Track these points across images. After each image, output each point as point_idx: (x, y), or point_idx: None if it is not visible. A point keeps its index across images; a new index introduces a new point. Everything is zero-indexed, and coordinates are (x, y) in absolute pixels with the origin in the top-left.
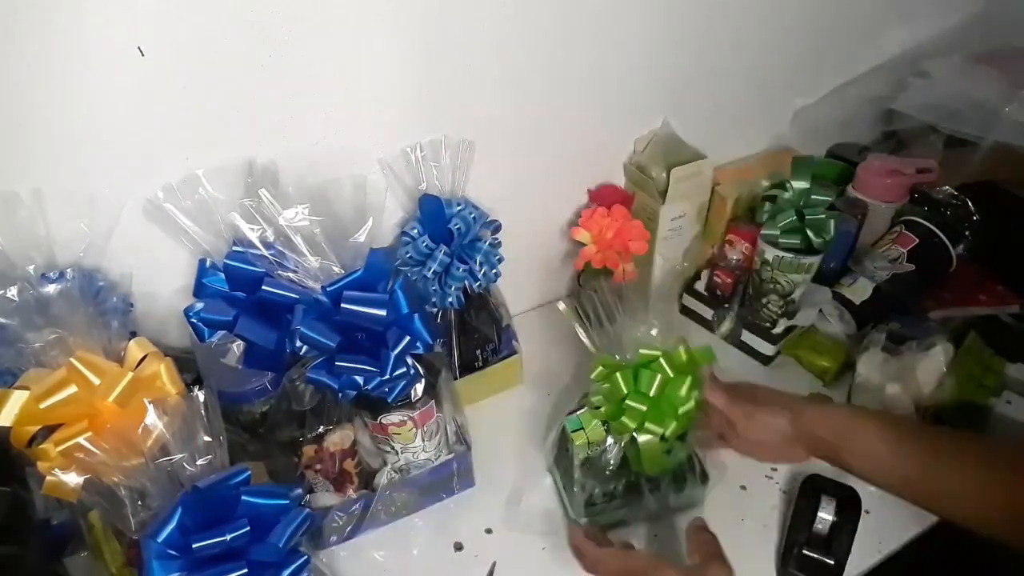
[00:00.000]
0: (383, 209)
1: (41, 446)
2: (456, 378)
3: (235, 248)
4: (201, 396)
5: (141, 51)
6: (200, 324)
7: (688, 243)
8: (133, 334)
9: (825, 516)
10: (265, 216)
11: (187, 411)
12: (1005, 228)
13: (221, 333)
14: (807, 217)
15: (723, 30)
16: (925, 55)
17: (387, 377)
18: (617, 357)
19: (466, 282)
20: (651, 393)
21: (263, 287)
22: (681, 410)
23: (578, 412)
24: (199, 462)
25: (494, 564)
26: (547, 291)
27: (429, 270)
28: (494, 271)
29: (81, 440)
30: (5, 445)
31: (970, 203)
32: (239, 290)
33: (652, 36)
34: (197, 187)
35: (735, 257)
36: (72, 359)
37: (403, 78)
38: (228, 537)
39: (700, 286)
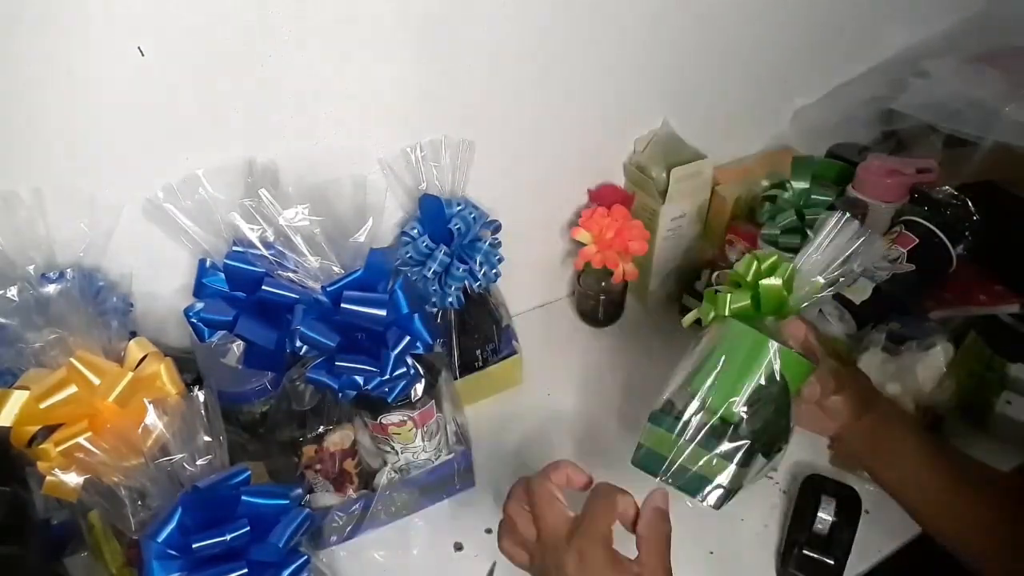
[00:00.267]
0: (383, 209)
1: (41, 446)
2: (456, 378)
3: (235, 248)
4: (201, 396)
5: (141, 51)
6: (200, 324)
7: (688, 243)
8: (133, 334)
9: (825, 516)
10: (265, 216)
11: (187, 411)
12: (1005, 228)
13: (221, 333)
14: (807, 217)
15: (723, 30)
16: (925, 55)
17: (387, 377)
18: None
19: (466, 282)
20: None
21: (263, 287)
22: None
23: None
24: (199, 462)
25: (494, 564)
26: (547, 291)
27: (429, 270)
28: (494, 271)
29: (81, 440)
30: (5, 445)
31: (970, 203)
32: (239, 290)
33: (652, 36)
34: (197, 187)
35: (735, 257)
36: (72, 359)
37: (403, 78)
38: (228, 537)
39: (700, 286)
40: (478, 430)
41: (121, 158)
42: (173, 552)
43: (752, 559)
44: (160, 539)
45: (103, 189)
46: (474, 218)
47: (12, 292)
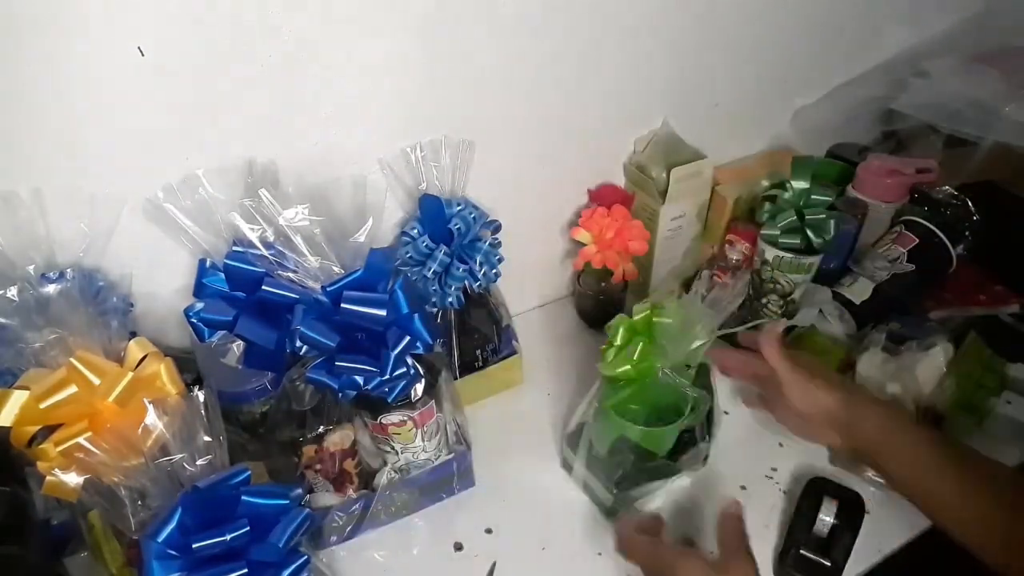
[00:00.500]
0: (383, 209)
1: (41, 446)
2: (456, 378)
3: (235, 248)
4: (201, 396)
5: (141, 51)
6: (200, 324)
7: (688, 243)
8: (133, 334)
9: (826, 518)
10: (265, 216)
11: (187, 411)
12: (1005, 228)
13: (221, 333)
14: (807, 217)
15: (723, 30)
16: (925, 55)
17: (387, 377)
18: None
19: (466, 282)
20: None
21: (263, 287)
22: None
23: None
24: (199, 462)
25: (494, 564)
26: (547, 291)
27: (429, 270)
28: (494, 271)
29: (81, 440)
30: (5, 445)
31: (970, 203)
32: (239, 290)
33: (652, 36)
34: (197, 187)
35: (735, 257)
36: (72, 359)
37: (403, 78)
38: (228, 537)
39: (700, 286)
40: (478, 430)
41: (121, 158)
42: (173, 552)
43: None
44: (160, 539)
45: (103, 189)
46: (474, 218)
47: (12, 292)
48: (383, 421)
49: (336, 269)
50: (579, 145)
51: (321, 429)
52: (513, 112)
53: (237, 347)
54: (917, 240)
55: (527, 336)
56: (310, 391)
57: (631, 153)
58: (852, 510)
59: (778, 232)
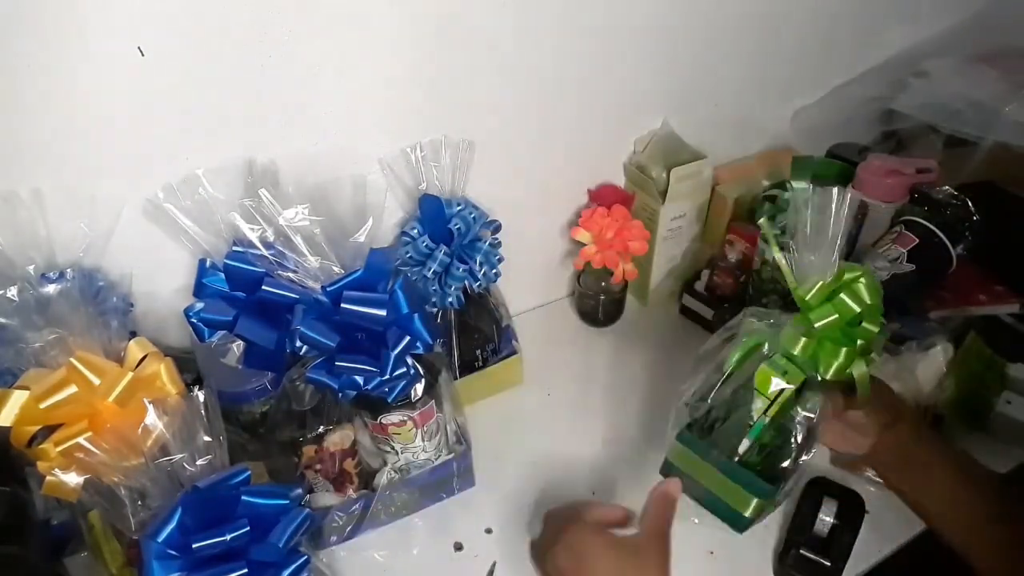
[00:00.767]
0: (383, 209)
1: (41, 446)
2: (456, 378)
3: (235, 248)
4: (201, 396)
5: (141, 51)
6: (200, 324)
7: (688, 243)
8: (133, 334)
9: (826, 518)
10: (265, 216)
11: (187, 411)
12: (1005, 228)
13: (221, 333)
14: None
15: (723, 30)
16: (925, 55)
17: (387, 377)
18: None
19: (466, 282)
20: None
21: (263, 287)
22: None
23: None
24: (199, 462)
25: (494, 564)
26: (547, 291)
27: (429, 270)
28: (494, 271)
29: (81, 440)
30: (5, 445)
31: (970, 203)
32: (239, 290)
33: (652, 36)
34: (197, 187)
35: (735, 257)
36: (72, 359)
37: (403, 78)
38: (228, 537)
39: (700, 286)
40: (478, 430)
41: (121, 158)
42: (173, 552)
43: (752, 559)
44: (160, 539)
45: (103, 189)
46: (474, 218)
47: (12, 292)
48: (383, 421)
49: (336, 269)
50: (579, 145)
51: (321, 429)
52: (513, 112)
53: (237, 347)
54: (917, 240)
55: (527, 336)
56: (310, 391)
57: (631, 153)
58: (852, 510)
59: (778, 232)
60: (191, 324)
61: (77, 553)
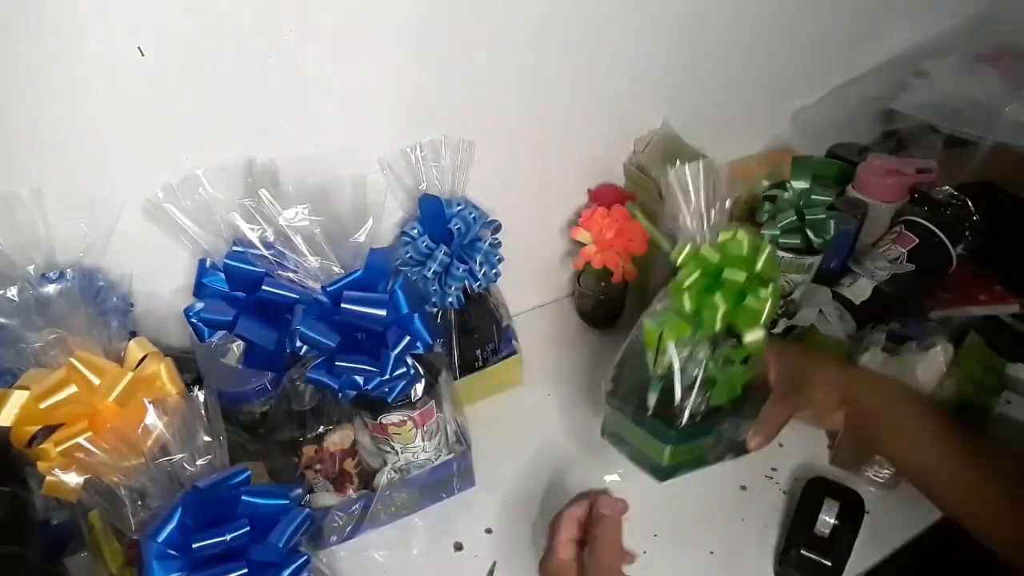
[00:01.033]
0: (383, 209)
1: (41, 446)
2: (456, 378)
3: (235, 248)
4: (201, 396)
5: (141, 51)
6: (200, 324)
7: None
8: (133, 334)
9: (826, 518)
10: (265, 216)
11: (187, 411)
12: (1005, 228)
13: (221, 333)
14: (807, 217)
15: (724, 30)
16: (925, 55)
17: (387, 377)
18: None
19: (466, 282)
20: (743, 255)
21: (263, 287)
22: (772, 284)
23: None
24: (199, 462)
25: (494, 564)
26: (547, 291)
27: (429, 270)
28: (494, 271)
29: (81, 440)
30: (5, 445)
31: (970, 203)
32: (239, 290)
33: (652, 36)
34: (197, 187)
35: None
36: (72, 359)
37: (403, 78)
38: (228, 537)
39: None
40: (478, 430)
41: (121, 158)
42: (173, 552)
43: (752, 559)
44: (160, 539)
45: (103, 189)
46: (474, 218)
47: (12, 292)
48: (383, 421)
49: (336, 269)
50: (579, 145)
51: (321, 429)
52: (513, 112)
53: (237, 347)
54: (917, 240)
55: (527, 336)
56: (310, 391)
57: (631, 153)
58: (852, 510)
59: (778, 232)
60: (191, 324)
61: (77, 553)
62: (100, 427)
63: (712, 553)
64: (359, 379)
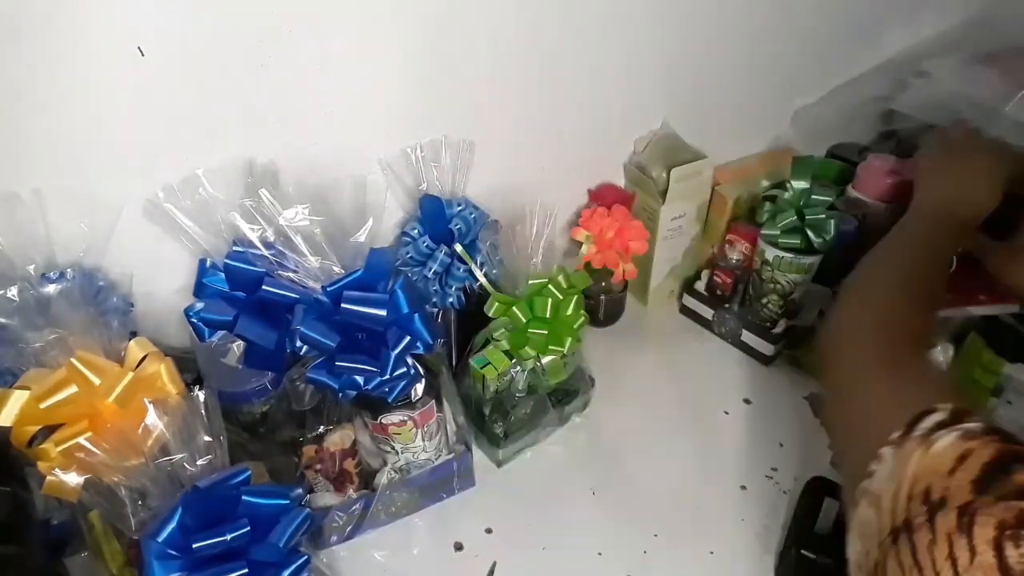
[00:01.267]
0: (383, 209)
1: (41, 446)
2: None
3: (235, 248)
4: (201, 396)
5: (141, 51)
6: (200, 324)
7: (688, 243)
8: (133, 334)
9: (827, 518)
10: (265, 216)
11: (187, 411)
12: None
13: (221, 333)
14: (807, 217)
15: (723, 30)
16: (925, 55)
17: (387, 377)
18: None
19: (466, 282)
20: (547, 316)
21: (263, 287)
22: (575, 325)
23: (480, 352)
24: (199, 462)
25: (494, 564)
26: None
27: (429, 270)
28: (495, 271)
29: (81, 440)
30: (5, 445)
31: None
32: (239, 290)
33: (652, 36)
34: (197, 187)
35: (735, 257)
36: (72, 359)
37: (403, 78)
38: (228, 537)
39: (700, 286)
40: None
41: (121, 158)
42: (173, 552)
43: (752, 559)
44: (160, 539)
45: (103, 189)
46: (474, 218)
47: (12, 292)
48: (383, 421)
49: (336, 269)
50: (579, 145)
51: (321, 429)
52: (513, 112)
53: (237, 347)
54: None
55: None
56: (310, 391)
57: (631, 153)
58: None
59: (778, 232)
60: (191, 324)
61: (77, 553)
62: (100, 427)
63: (712, 553)
64: (359, 379)
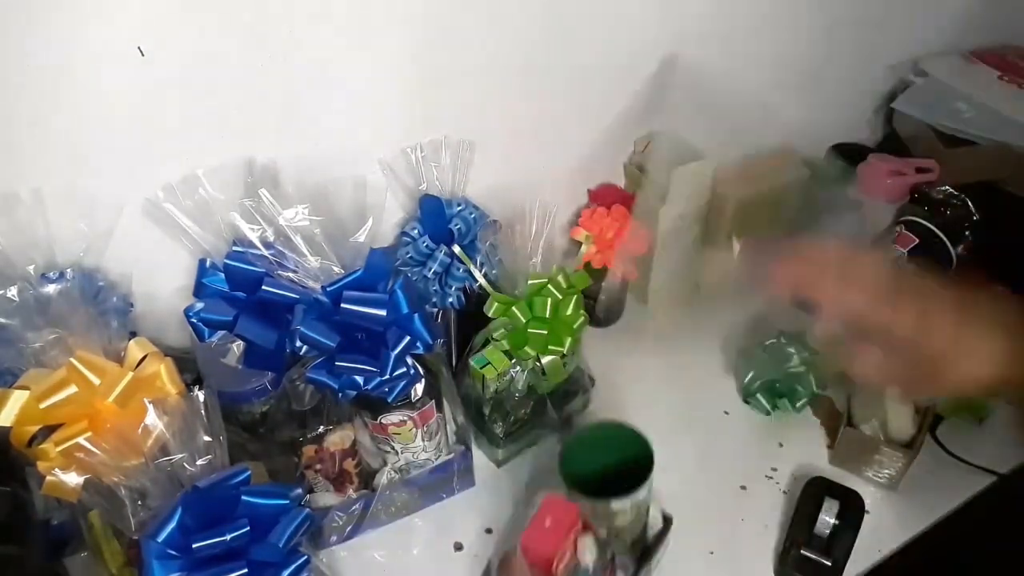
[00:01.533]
0: (383, 209)
1: (41, 446)
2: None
3: (235, 248)
4: (201, 396)
5: (141, 51)
6: (200, 324)
7: (688, 243)
8: (133, 334)
9: (827, 518)
10: (265, 216)
11: (187, 411)
12: (1005, 228)
13: (221, 333)
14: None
15: (723, 30)
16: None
17: (387, 377)
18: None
19: (466, 282)
20: (546, 316)
21: (263, 287)
22: (575, 325)
23: (480, 352)
24: (199, 462)
25: (492, 563)
26: None
27: (429, 270)
28: (494, 271)
29: (81, 440)
30: (5, 445)
31: (970, 203)
32: (239, 290)
33: (652, 36)
34: (197, 187)
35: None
36: (72, 359)
37: (403, 78)
38: (228, 537)
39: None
40: None
41: (121, 158)
42: (173, 552)
43: (752, 559)
44: (160, 539)
45: (103, 189)
46: (474, 218)
47: (12, 292)
48: (383, 421)
49: (336, 269)
50: (579, 145)
51: (321, 429)
52: (513, 112)
53: (237, 347)
54: (917, 240)
55: None
56: (310, 391)
57: (631, 153)
58: (852, 510)
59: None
60: (191, 324)
61: (77, 553)
62: (100, 427)
63: (712, 553)
64: (359, 379)
